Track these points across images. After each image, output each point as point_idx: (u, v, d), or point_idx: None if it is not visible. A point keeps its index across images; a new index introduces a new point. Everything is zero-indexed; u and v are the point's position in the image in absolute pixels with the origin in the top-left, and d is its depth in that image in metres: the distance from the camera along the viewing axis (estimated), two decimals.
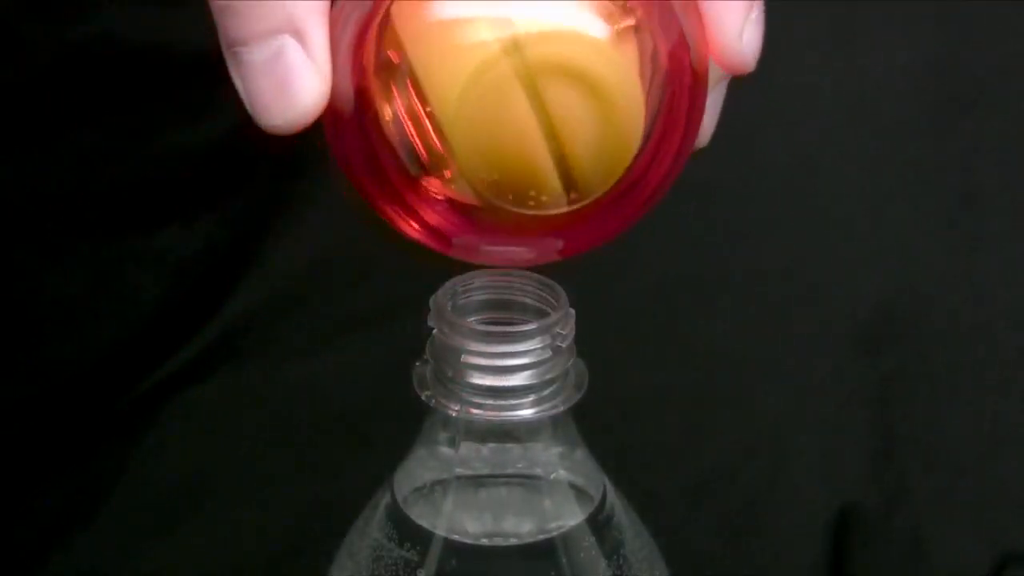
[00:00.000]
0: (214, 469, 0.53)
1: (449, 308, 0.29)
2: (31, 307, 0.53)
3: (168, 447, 0.54)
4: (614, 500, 0.31)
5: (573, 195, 0.25)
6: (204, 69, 0.49)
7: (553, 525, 0.29)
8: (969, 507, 0.52)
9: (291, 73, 0.23)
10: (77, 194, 0.52)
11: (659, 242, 0.54)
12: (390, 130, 0.25)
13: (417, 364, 0.29)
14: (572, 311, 0.29)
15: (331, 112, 0.24)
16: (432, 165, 0.25)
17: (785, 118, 0.56)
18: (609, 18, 0.24)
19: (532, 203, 0.25)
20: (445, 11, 0.24)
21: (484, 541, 0.29)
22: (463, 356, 0.28)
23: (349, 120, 0.24)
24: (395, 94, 0.25)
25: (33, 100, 0.50)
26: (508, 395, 0.28)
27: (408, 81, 0.25)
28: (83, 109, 0.51)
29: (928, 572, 0.50)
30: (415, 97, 0.25)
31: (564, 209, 0.25)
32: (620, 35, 0.24)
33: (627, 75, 0.24)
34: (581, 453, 0.30)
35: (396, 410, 0.30)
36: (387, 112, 0.25)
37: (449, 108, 0.24)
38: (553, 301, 0.29)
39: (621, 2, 0.25)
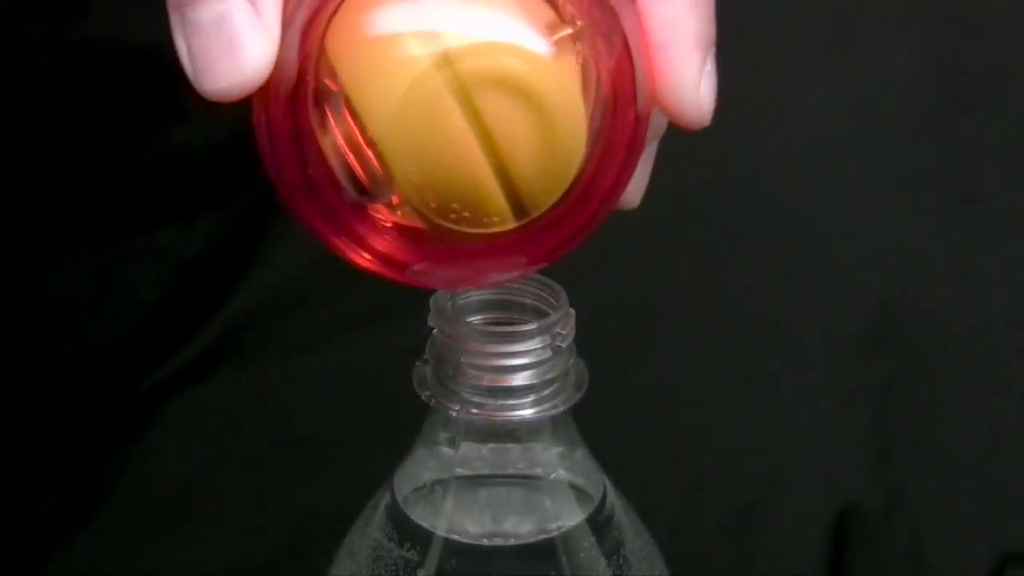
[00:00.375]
0: (214, 469, 0.53)
1: (449, 308, 0.29)
2: (31, 307, 0.53)
3: (168, 447, 0.54)
4: (614, 500, 0.31)
5: (519, 210, 0.24)
6: None
7: (553, 525, 0.29)
8: (969, 507, 0.52)
9: (239, 34, 0.22)
10: (77, 194, 0.52)
11: (659, 242, 0.54)
12: (332, 160, 0.25)
13: (417, 364, 0.29)
14: (572, 311, 0.29)
15: (269, 139, 0.24)
16: (376, 192, 0.25)
17: (785, 118, 0.56)
18: (546, 27, 0.24)
19: (479, 222, 0.24)
20: (373, 30, 0.23)
21: (484, 541, 0.29)
22: (463, 356, 0.28)
23: (287, 145, 0.24)
24: (332, 122, 0.24)
25: (33, 100, 0.50)
26: (508, 395, 0.28)
27: (344, 107, 0.24)
28: (83, 109, 0.51)
29: (928, 573, 0.50)
30: (352, 123, 0.24)
31: (512, 225, 0.24)
32: (558, 44, 0.24)
33: (564, 83, 0.23)
34: (581, 453, 0.30)
35: (396, 410, 0.30)
36: (327, 142, 0.24)
37: (385, 130, 0.23)
38: (553, 301, 0.29)
39: (558, 10, 0.24)
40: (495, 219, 0.24)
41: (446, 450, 0.29)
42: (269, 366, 0.56)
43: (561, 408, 0.28)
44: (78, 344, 0.54)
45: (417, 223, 0.25)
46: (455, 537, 0.29)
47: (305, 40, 0.23)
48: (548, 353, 0.28)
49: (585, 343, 0.29)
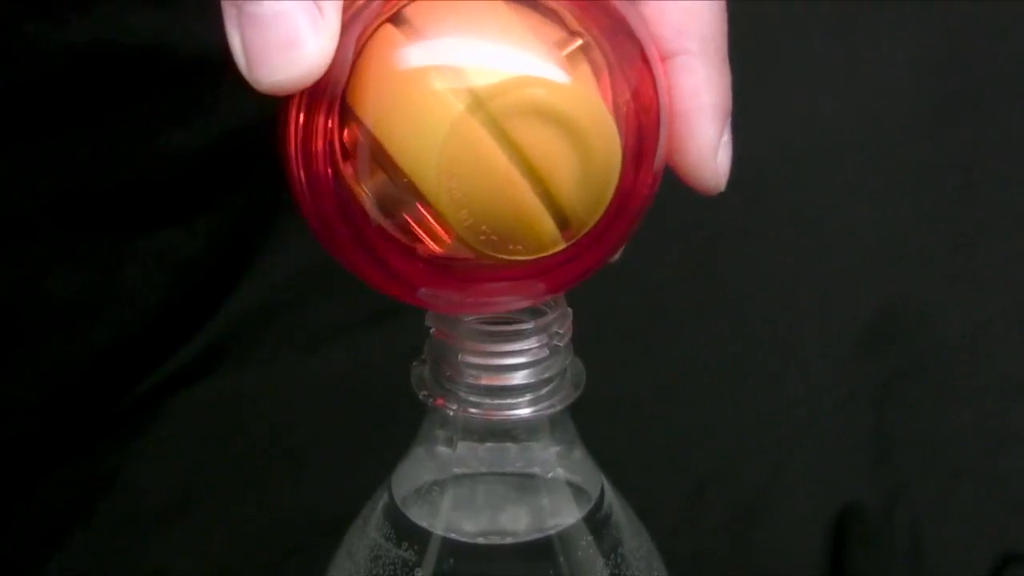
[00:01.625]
0: (213, 469, 0.53)
1: None
2: (31, 307, 0.53)
3: (168, 447, 0.54)
4: (612, 499, 0.31)
5: (567, 232, 0.25)
6: (204, 69, 0.49)
7: (551, 524, 0.29)
8: (969, 507, 0.52)
9: (300, 29, 0.22)
10: (77, 194, 0.52)
11: (659, 242, 0.54)
12: (370, 208, 0.25)
13: (415, 364, 0.29)
14: (569, 310, 0.29)
15: (303, 160, 0.24)
16: (427, 233, 0.25)
17: (784, 120, 0.56)
18: (557, 44, 0.24)
19: (530, 248, 0.25)
20: (395, 74, 0.23)
21: (482, 540, 0.29)
22: (461, 355, 0.28)
23: (321, 166, 0.24)
24: (366, 172, 0.25)
25: (33, 100, 0.50)
26: (505, 394, 0.28)
27: (374, 155, 0.24)
28: (83, 109, 0.51)
29: (928, 572, 0.50)
30: (389, 171, 0.24)
31: (561, 247, 0.25)
32: (571, 58, 0.24)
33: (590, 99, 0.24)
34: (579, 452, 0.30)
35: (394, 410, 0.30)
36: (363, 191, 0.25)
37: (431, 180, 0.23)
38: (551, 300, 0.29)
39: (565, 24, 0.25)
40: (545, 242, 0.25)
41: (444, 449, 0.29)
42: (268, 366, 0.56)
43: (558, 407, 0.28)
44: (78, 344, 0.54)
45: (463, 254, 0.25)
46: (453, 536, 0.29)
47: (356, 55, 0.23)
48: (545, 352, 0.28)
49: (583, 342, 0.29)
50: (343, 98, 0.24)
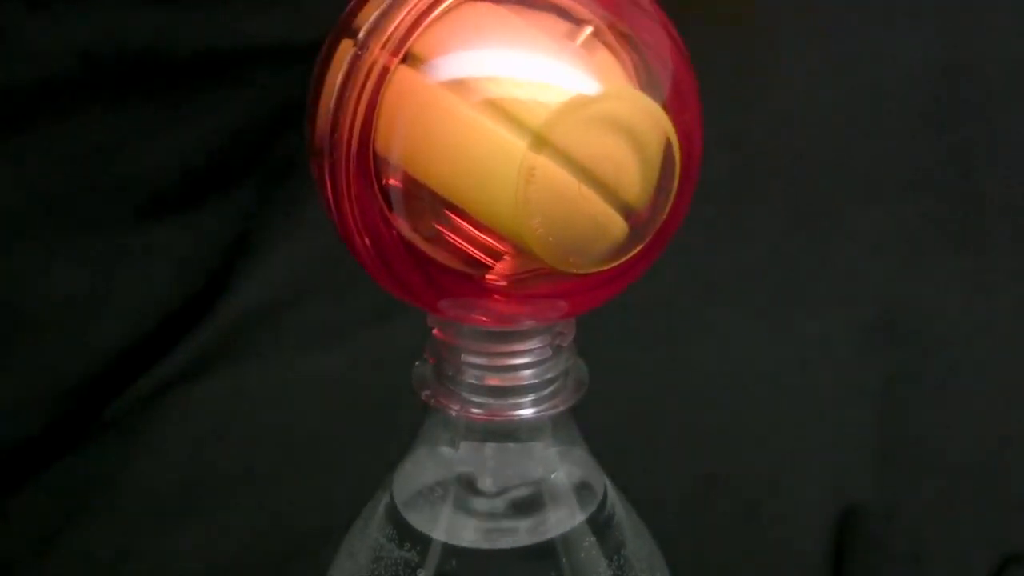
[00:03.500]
0: (213, 468, 0.53)
1: None
2: (29, 305, 0.53)
3: (164, 447, 0.54)
4: (615, 500, 0.31)
5: (636, 229, 0.25)
6: (204, 69, 0.49)
7: (553, 525, 0.29)
8: (970, 507, 0.52)
9: None
10: (76, 191, 0.52)
11: None
12: (425, 246, 0.25)
13: (417, 363, 0.29)
14: None
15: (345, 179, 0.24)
16: (492, 256, 0.25)
17: (788, 117, 0.56)
18: (567, 35, 0.24)
19: (608, 256, 0.25)
20: (447, 130, 0.23)
21: (484, 542, 0.29)
22: (463, 355, 0.28)
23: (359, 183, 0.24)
24: (419, 217, 0.24)
25: (32, 98, 0.50)
26: (508, 394, 0.28)
27: (426, 201, 0.24)
28: (82, 107, 0.51)
29: (929, 573, 0.50)
30: (444, 212, 0.24)
31: (635, 252, 0.25)
32: (587, 46, 0.24)
33: (618, 81, 0.24)
34: (582, 453, 0.30)
35: (394, 410, 0.29)
36: (417, 237, 0.25)
37: (510, 223, 0.23)
38: None
39: (568, 13, 0.24)
40: (619, 243, 0.25)
41: (446, 450, 0.29)
42: (268, 365, 0.55)
43: (561, 407, 0.28)
44: (77, 341, 0.54)
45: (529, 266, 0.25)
46: (455, 538, 0.29)
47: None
48: (548, 352, 0.28)
49: (586, 342, 0.29)
50: (374, 150, 0.24)
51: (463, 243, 0.25)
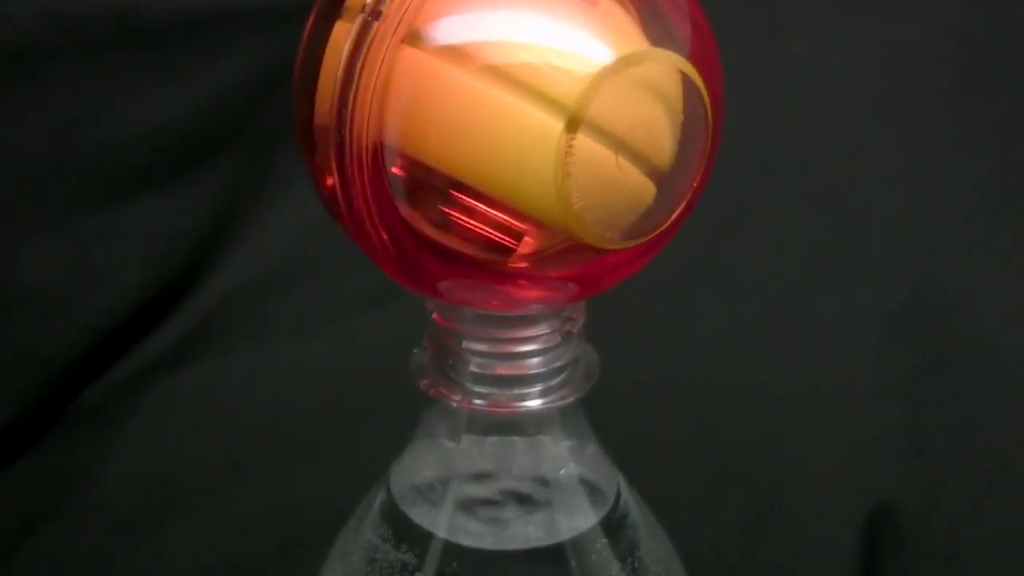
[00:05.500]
0: (197, 461, 0.52)
1: None
2: (3, 292, 0.52)
3: (144, 439, 0.53)
4: (629, 498, 0.30)
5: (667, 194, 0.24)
6: (178, 30, 0.47)
7: (562, 526, 0.28)
8: (1011, 505, 0.50)
9: None
10: (49, 165, 0.51)
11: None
12: (437, 234, 0.24)
13: (415, 351, 0.28)
14: None
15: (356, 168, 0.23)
16: (514, 238, 0.24)
17: (810, 101, 0.56)
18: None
19: (640, 228, 0.24)
20: (474, 115, 0.22)
21: (487, 543, 0.28)
22: (464, 342, 0.26)
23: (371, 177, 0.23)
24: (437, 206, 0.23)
25: (2, 64, 0.49)
26: (514, 384, 0.27)
27: (445, 188, 0.23)
28: (54, 72, 0.49)
29: (967, 574, 0.49)
30: (459, 198, 0.23)
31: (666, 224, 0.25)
32: (602, 5, 0.23)
33: (639, 40, 0.23)
34: (593, 447, 0.29)
35: (392, 400, 0.29)
36: (431, 227, 0.24)
37: (550, 204, 0.23)
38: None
39: None
40: (655, 224, 0.24)
41: (447, 444, 0.28)
42: (255, 352, 0.54)
43: (571, 399, 0.27)
44: (52, 329, 0.53)
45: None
46: (456, 539, 0.28)
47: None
48: (557, 339, 0.27)
49: (597, 328, 0.28)
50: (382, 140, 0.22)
51: (483, 227, 0.24)
